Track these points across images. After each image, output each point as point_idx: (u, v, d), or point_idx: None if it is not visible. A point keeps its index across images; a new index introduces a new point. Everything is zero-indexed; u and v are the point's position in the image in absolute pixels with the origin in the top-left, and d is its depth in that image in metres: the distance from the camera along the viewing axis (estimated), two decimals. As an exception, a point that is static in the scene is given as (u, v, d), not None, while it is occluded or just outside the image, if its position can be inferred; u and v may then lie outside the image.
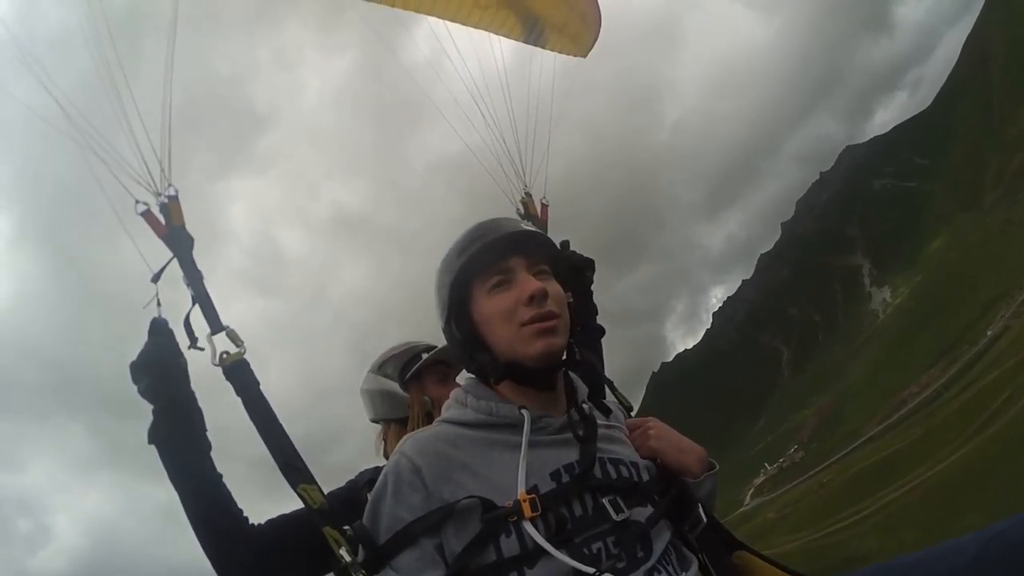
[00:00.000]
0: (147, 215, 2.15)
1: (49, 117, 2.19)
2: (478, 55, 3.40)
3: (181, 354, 2.09)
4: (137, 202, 2.15)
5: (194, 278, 2.11)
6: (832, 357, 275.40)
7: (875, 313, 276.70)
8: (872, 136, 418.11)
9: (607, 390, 2.25)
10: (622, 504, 1.63)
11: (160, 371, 2.04)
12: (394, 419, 2.84)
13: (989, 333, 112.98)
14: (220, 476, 2.11)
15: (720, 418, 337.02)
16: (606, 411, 1.95)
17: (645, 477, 1.78)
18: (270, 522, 2.19)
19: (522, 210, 3.18)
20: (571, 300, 1.82)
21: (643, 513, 1.66)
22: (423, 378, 2.85)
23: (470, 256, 1.71)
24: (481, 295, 1.73)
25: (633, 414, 2.25)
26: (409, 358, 2.87)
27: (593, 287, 2.87)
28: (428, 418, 2.66)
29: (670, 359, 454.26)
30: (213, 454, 2.11)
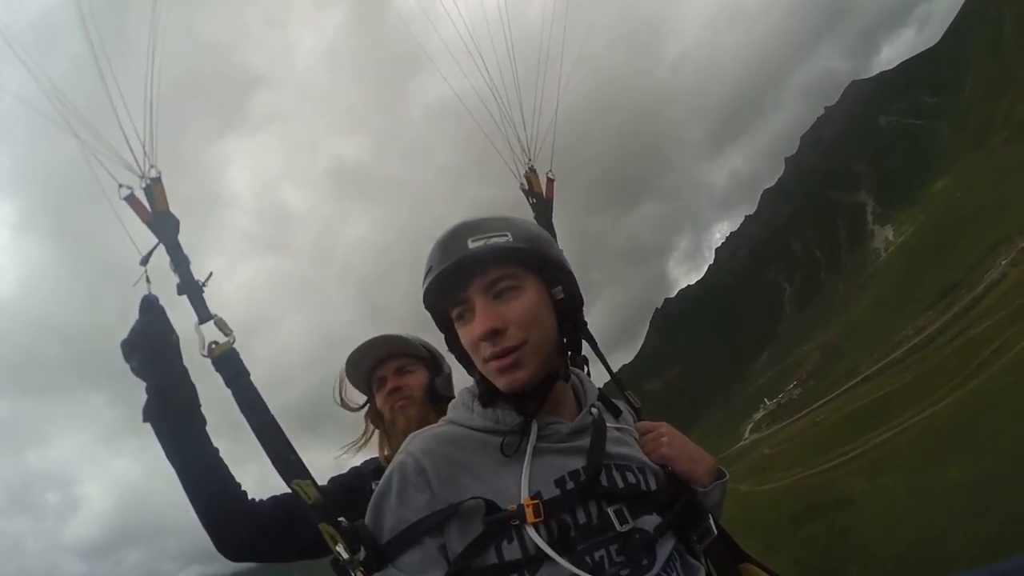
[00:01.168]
0: (131, 200, 2.04)
1: (34, 101, 2.07)
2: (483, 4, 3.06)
3: (173, 331, 2.06)
4: (120, 186, 2.03)
5: (180, 264, 2.01)
6: (834, 294, 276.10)
7: (877, 251, 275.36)
8: (879, 72, 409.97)
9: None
10: (627, 514, 1.61)
11: (151, 349, 2.02)
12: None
13: (988, 278, 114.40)
14: (216, 451, 2.10)
15: (723, 353, 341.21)
16: (616, 412, 1.94)
17: (652, 482, 1.75)
18: (273, 499, 2.22)
19: (526, 185, 2.97)
20: (561, 296, 1.68)
21: (650, 522, 1.64)
22: (373, 396, 2.78)
23: (425, 291, 1.64)
24: (454, 321, 1.67)
25: (639, 411, 2.23)
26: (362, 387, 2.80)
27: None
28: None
29: (673, 295, 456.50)
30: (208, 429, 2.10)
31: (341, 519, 1.64)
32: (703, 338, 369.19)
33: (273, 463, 1.79)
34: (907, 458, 59.77)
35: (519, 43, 2.87)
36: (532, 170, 2.96)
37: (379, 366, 2.74)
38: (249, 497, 2.21)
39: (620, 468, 1.71)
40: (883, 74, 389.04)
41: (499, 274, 1.60)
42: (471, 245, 1.58)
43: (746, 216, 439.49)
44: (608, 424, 1.77)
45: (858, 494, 59.76)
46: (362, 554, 1.56)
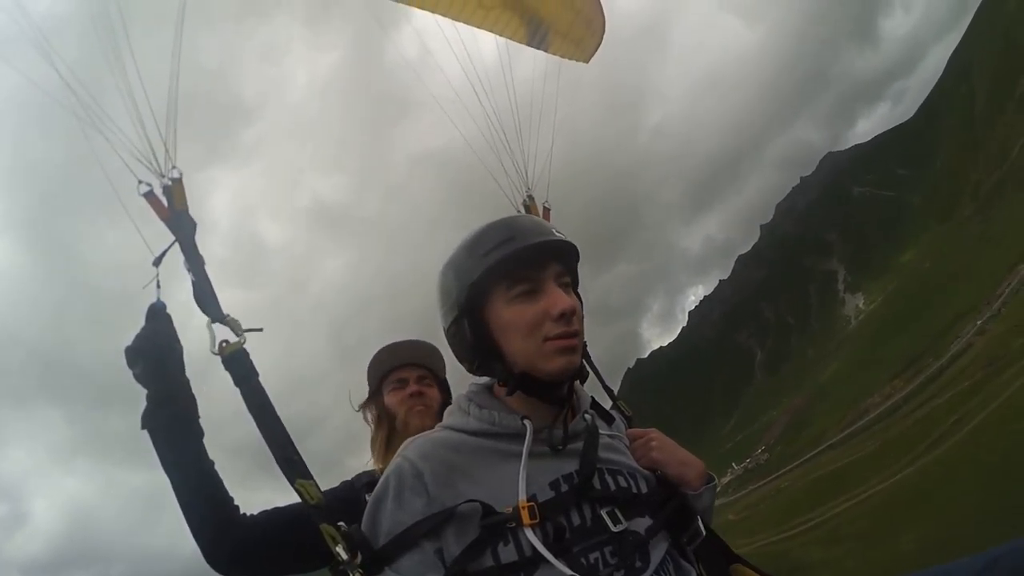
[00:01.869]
0: (150, 196, 2.07)
1: (52, 91, 2.10)
2: (480, 52, 3.36)
3: (178, 340, 2.08)
4: (140, 182, 2.07)
5: (196, 263, 2.03)
6: (804, 360, 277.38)
7: (847, 319, 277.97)
8: (854, 144, 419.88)
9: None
10: (620, 515, 1.63)
11: (156, 357, 2.02)
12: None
13: (953, 348, 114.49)
14: (212, 464, 2.10)
15: (693, 415, 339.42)
16: (609, 419, 1.94)
17: (643, 487, 1.77)
18: (264, 513, 2.21)
19: (524, 213, 3.03)
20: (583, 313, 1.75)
21: (642, 524, 1.65)
22: (380, 394, 2.83)
23: (498, 259, 1.61)
24: (500, 301, 1.65)
25: (630, 419, 2.30)
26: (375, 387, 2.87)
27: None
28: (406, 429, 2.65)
29: (646, 356, 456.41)
30: (205, 441, 2.10)
31: (341, 523, 1.65)
32: (674, 400, 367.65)
33: (278, 463, 1.81)
34: (863, 527, 58.89)
35: (517, 70, 3.21)
36: (531, 197, 3.13)
37: (403, 367, 2.85)
38: (241, 512, 2.21)
39: (612, 472, 1.75)
40: (858, 146, 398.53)
41: (564, 270, 1.70)
42: (557, 235, 1.69)
43: (720, 280, 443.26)
44: (601, 431, 1.82)
45: (814, 563, 58.81)
46: (360, 557, 1.57)
